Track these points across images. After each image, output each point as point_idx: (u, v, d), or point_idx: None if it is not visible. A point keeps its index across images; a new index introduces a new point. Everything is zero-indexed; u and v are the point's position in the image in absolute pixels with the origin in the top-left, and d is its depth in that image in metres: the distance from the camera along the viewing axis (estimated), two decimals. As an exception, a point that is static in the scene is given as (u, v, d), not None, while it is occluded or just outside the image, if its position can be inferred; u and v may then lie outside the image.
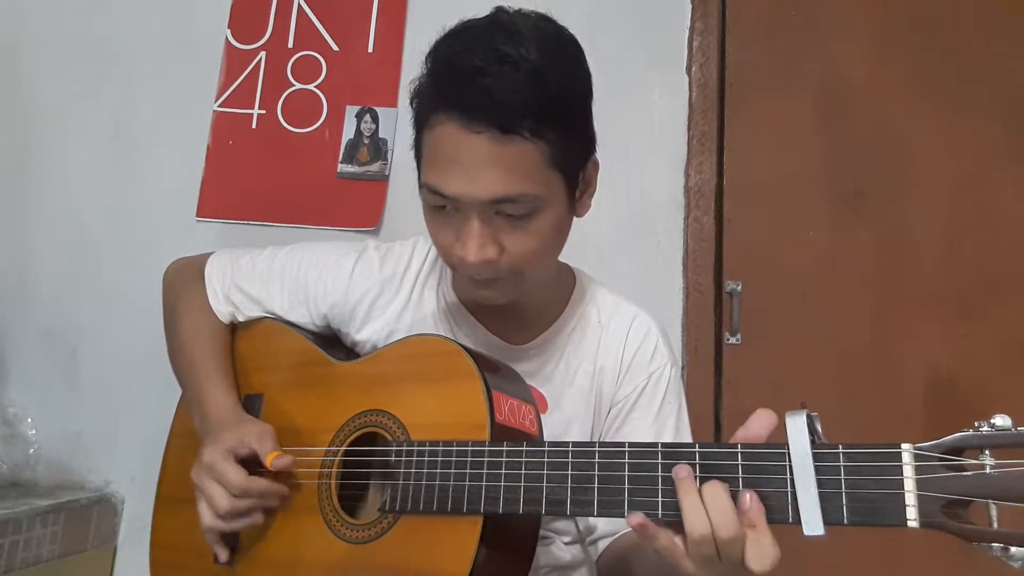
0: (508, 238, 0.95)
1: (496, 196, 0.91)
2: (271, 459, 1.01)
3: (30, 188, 2.02)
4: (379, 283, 1.18)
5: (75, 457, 1.91)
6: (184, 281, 1.28)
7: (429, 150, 0.95)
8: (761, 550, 0.72)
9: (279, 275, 1.22)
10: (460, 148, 0.91)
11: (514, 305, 1.07)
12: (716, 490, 0.74)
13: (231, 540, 1.07)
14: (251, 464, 1.02)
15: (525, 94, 0.89)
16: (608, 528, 1.11)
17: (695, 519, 0.74)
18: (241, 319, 1.23)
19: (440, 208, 0.96)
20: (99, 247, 1.99)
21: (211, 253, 1.30)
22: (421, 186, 0.98)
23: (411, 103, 1.01)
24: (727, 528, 0.72)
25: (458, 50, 0.92)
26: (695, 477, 0.76)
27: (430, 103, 0.94)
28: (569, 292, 1.19)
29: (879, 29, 2.02)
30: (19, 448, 1.85)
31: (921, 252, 1.93)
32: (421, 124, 0.97)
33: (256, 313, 1.23)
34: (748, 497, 0.73)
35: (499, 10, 0.97)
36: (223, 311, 1.23)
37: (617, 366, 1.15)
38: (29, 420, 1.89)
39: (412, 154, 1.04)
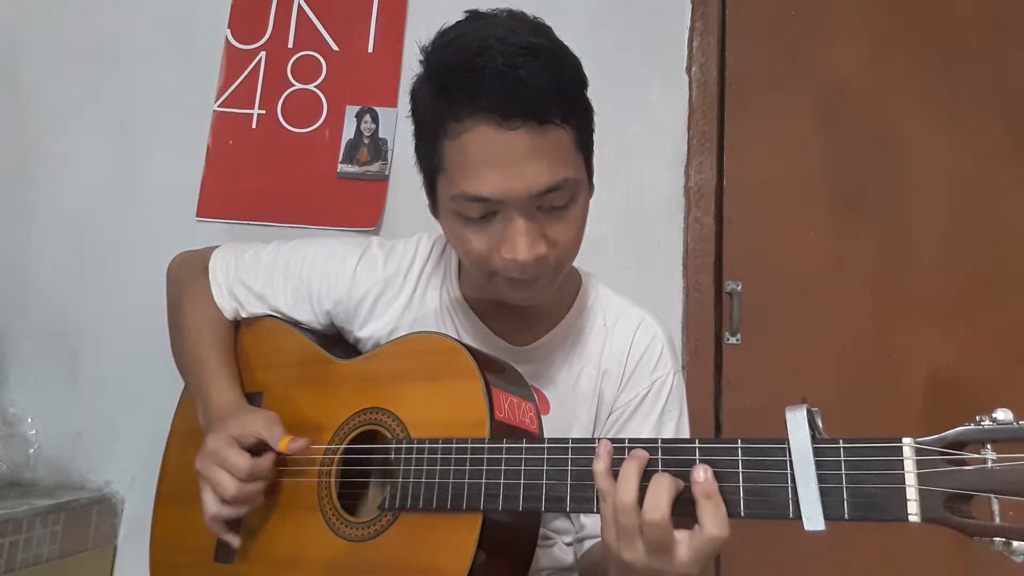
0: (553, 230, 0.95)
1: (543, 187, 0.91)
2: (285, 443, 1.00)
3: (30, 188, 2.02)
4: (382, 280, 1.18)
5: (75, 457, 1.91)
6: (188, 275, 1.28)
7: (456, 159, 0.93)
8: (716, 514, 0.73)
9: (283, 271, 1.22)
10: (497, 148, 0.90)
11: (520, 304, 1.07)
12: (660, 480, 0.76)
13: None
14: (255, 454, 1.02)
15: (553, 80, 0.90)
16: (594, 529, 1.10)
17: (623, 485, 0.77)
18: (245, 315, 1.23)
19: (476, 217, 0.95)
20: (99, 247, 1.99)
21: (215, 247, 1.29)
22: (451, 199, 0.95)
23: (413, 120, 1.00)
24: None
25: (475, 51, 0.89)
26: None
27: (447, 112, 0.92)
28: (575, 293, 1.19)
29: (879, 29, 2.03)
30: (19, 448, 1.85)
31: (921, 252, 1.93)
32: (437, 137, 0.95)
33: (259, 309, 1.23)
34: (701, 471, 0.74)
35: (475, 12, 0.98)
36: (227, 306, 1.23)
37: (621, 371, 1.15)
38: (29, 420, 1.90)
39: (414, 154, 1.04)
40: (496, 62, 0.88)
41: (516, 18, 0.95)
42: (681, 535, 0.74)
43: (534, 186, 0.91)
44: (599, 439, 0.82)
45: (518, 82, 0.88)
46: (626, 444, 0.81)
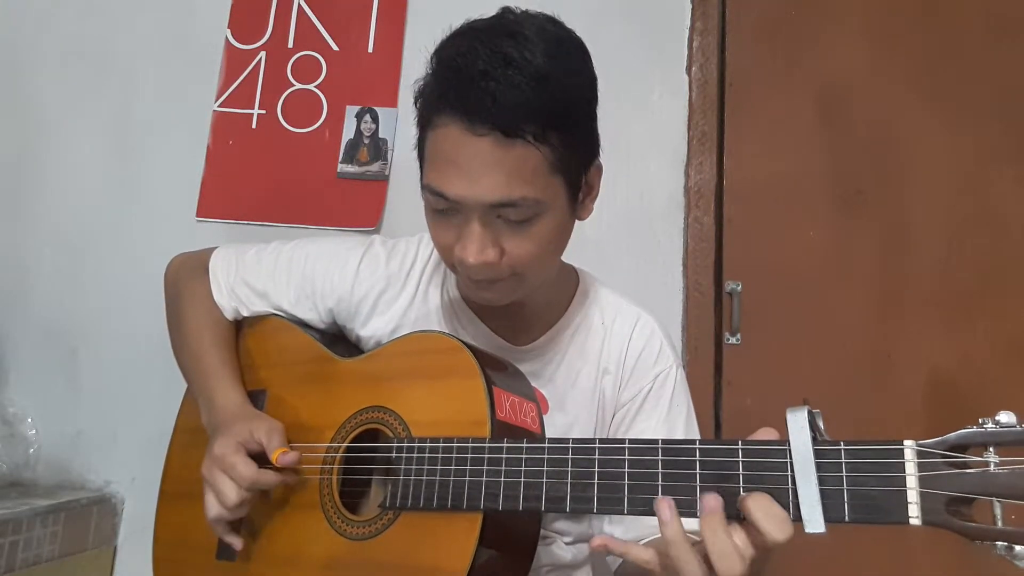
0: (508, 241, 0.95)
1: (496, 200, 0.91)
2: (277, 455, 1.01)
3: (30, 188, 2.02)
4: (384, 278, 1.18)
5: (75, 457, 1.91)
6: (187, 276, 1.28)
7: (431, 151, 0.95)
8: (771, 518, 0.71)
9: (285, 269, 1.22)
10: (462, 150, 0.90)
11: (517, 304, 1.07)
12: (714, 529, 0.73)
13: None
14: (260, 459, 1.02)
15: (529, 98, 0.88)
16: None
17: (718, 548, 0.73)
18: (246, 313, 1.23)
19: (441, 210, 0.96)
20: (99, 247, 1.99)
21: (214, 248, 1.29)
22: (423, 187, 0.97)
23: (415, 103, 1.01)
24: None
25: (462, 51, 0.90)
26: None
27: (433, 104, 0.94)
28: (572, 292, 1.19)
29: (879, 29, 2.02)
30: (19, 448, 1.85)
31: (921, 252, 1.93)
32: (424, 124, 0.97)
33: (261, 308, 1.23)
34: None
35: (506, 10, 0.97)
36: (227, 306, 1.23)
37: (620, 368, 1.15)
38: (29, 420, 1.90)
39: (414, 154, 1.04)
40: (475, 67, 0.88)
41: (534, 24, 0.93)
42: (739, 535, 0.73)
43: (487, 196, 0.90)
44: (626, 444, 0.81)
45: (487, 92, 0.87)
46: (625, 445, 0.81)
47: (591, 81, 0.98)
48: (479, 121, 0.88)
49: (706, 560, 0.73)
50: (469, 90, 0.88)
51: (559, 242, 1.01)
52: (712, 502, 0.73)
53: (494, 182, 0.90)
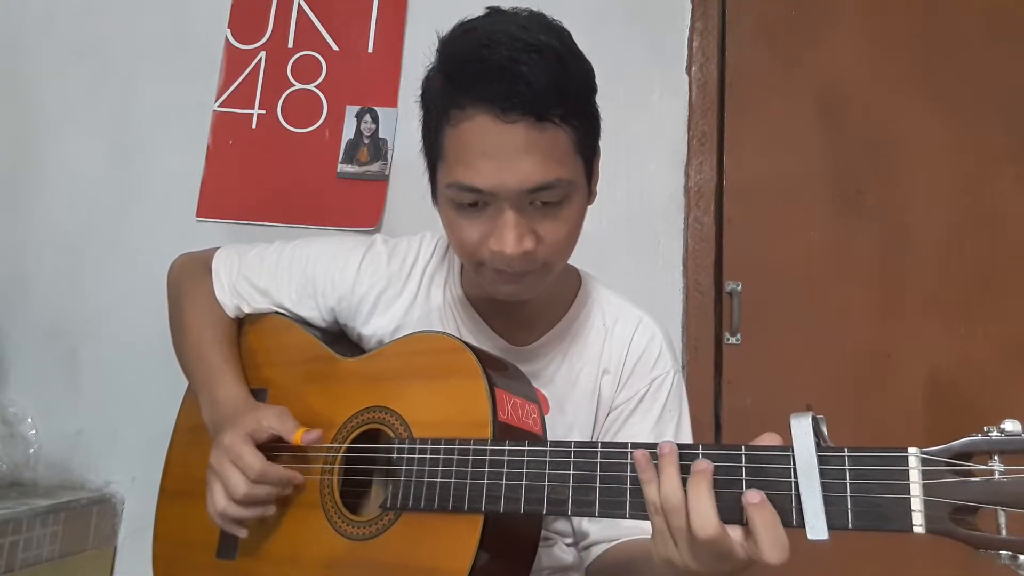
0: (543, 227, 0.96)
1: (535, 184, 0.91)
2: (299, 435, 1.01)
3: (30, 188, 2.02)
4: (386, 277, 1.18)
5: (75, 457, 1.91)
6: (190, 275, 1.28)
7: (454, 147, 0.94)
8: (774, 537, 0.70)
9: (287, 268, 1.22)
10: (493, 140, 0.90)
11: (520, 304, 1.07)
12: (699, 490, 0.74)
13: (233, 537, 1.06)
14: (268, 450, 1.02)
15: (556, 79, 0.90)
16: (603, 534, 1.10)
17: (670, 488, 0.75)
18: (247, 310, 1.24)
19: (466, 206, 0.95)
20: (99, 247, 1.99)
21: (217, 247, 1.30)
22: (446, 186, 0.96)
23: (422, 106, 1.01)
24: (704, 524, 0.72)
25: (483, 43, 0.91)
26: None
27: (451, 101, 0.93)
28: (574, 292, 1.19)
29: (879, 29, 2.02)
30: (19, 448, 1.84)
31: (921, 252, 1.93)
32: (440, 124, 0.96)
33: (263, 306, 1.23)
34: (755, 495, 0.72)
35: (495, 9, 0.98)
36: (229, 303, 1.23)
37: (619, 370, 1.15)
38: (29, 420, 1.90)
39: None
40: (500, 55, 0.89)
41: (532, 17, 0.95)
42: (736, 534, 0.72)
43: (526, 181, 0.91)
44: (630, 448, 0.81)
45: (519, 77, 0.88)
46: (628, 448, 0.81)
47: (590, 64, 1.00)
48: (511, 108, 0.89)
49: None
50: (499, 78, 0.89)
51: (581, 226, 1.02)
52: (666, 447, 0.77)
53: (530, 166, 0.91)
